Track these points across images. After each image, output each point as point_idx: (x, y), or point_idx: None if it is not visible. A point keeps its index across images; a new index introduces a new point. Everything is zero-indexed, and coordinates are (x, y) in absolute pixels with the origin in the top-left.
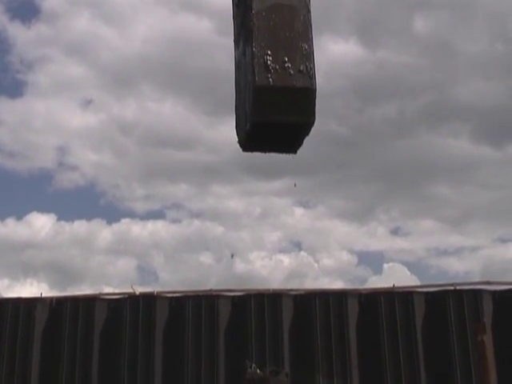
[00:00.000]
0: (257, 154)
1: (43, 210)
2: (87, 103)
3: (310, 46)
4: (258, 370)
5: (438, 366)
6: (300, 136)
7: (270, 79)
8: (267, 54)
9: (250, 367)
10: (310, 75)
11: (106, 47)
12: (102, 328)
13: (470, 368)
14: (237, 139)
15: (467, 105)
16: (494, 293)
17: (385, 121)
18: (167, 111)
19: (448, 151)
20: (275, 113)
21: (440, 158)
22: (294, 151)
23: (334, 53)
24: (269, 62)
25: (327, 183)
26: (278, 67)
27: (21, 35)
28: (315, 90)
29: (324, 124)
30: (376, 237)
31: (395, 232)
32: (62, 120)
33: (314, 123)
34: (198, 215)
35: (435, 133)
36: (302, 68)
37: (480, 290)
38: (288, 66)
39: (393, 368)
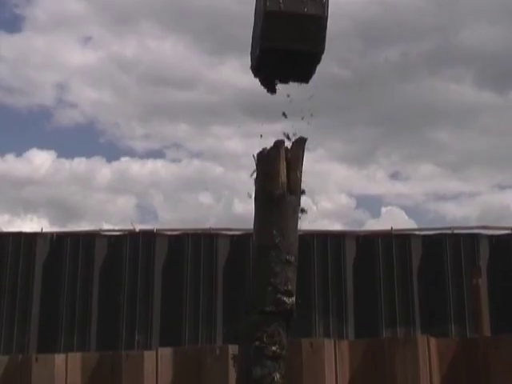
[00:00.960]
0: (257, 95)
1: (43, 146)
2: (86, 40)
3: None
4: None
5: (433, 308)
6: (311, 64)
7: (281, 4)
8: None
9: None
10: (322, 3)
11: None
12: (101, 264)
13: (464, 310)
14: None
15: (471, 50)
16: (490, 237)
17: (387, 64)
18: (168, 49)
19: (450, 96)
20: (285, 39)
21: (442, 103)
22: (306, 80)
23: None
24: None
25: (327, 126)
26: None
27: None
28: (326, 19)
29: (325, 66)
30: (375, 180)
31: (394, 176)
32: (61, 57)
33: (323, 52)
34: (197, 155)
35: (438, 77)
36: None
37: (477, 234)
38: None
39: (388, 308)
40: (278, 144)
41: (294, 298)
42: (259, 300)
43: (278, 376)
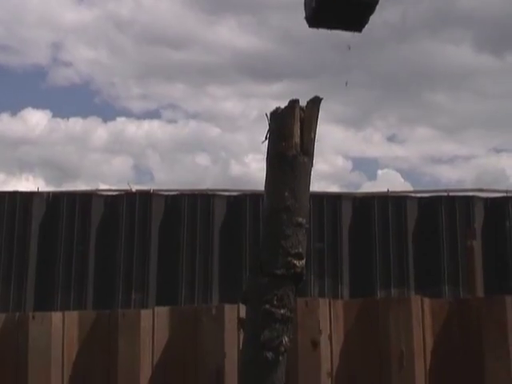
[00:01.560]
0: (255, 57)
1: (38, 106)
2: None
3: None
4: None
5: (427, 269)
6: (365, 15)
7: None
8: None
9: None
10: None
11: None
12: (98, 224)
13: (458, 272)
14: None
15: (471, 12)
16: (485, 200)
17: (386, 25)
18: (164, 9)
19: (448, 58)
20: None
21: (440, 65)
22: (360, 29)
23: None
24: None
25: (325, 88)
26: None
27: None
28: None
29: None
30: (372, 143)
31: (391, 139)
32: (55, 15)
33: (378, 2)
34: (194, 116)
35: (437, 39)
36: None
37: (472, 197)
38: None
39: (383, 269)
40: (293, 103)
41: (304, 261)
42: (269, 262)
43: (286, 339)
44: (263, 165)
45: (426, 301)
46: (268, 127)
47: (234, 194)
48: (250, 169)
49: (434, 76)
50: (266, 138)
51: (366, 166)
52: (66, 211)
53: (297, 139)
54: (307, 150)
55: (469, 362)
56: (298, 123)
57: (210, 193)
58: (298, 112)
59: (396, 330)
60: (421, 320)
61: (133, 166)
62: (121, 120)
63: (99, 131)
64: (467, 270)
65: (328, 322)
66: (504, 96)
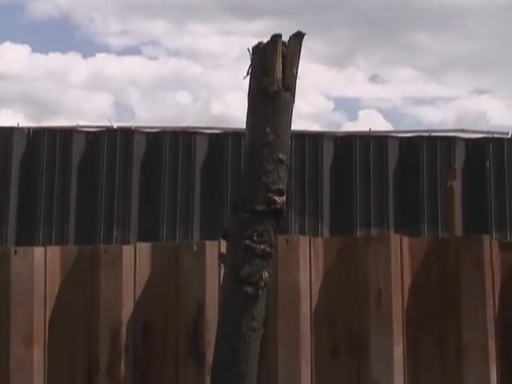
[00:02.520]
0: None
1: (17, 40)
2: None
3: None
4: None
5: (407, 208)
6: None
7: None
8: None
9: None
10: None
11: None
12: (79, 160)
13: (438, 211)
14: None
15: None
16: (466, 141)
17: None
18: None
19: None
20: None
21: (426, 5)
22: None
23: None
24: None
25: (307, 25)
26: None
27: None
28: None
29: None
30: (354, 83)
31: (373, 79)
32: None
33: None
34: (174, 53)
35: None
36: None
37: (453, 137)
38: None
39: (363, 207)
40: (275, 38)
41: (284, 198)
42: (250, 198)
43: (266, 274)
44: (244, 103)
45: (405, 239)
46: (250, 63)
47: (216, 131)
48: (231, 107)
49: (418, 16)
50: (247, 74)
51: (348, 106)
52: (46, 147)
53: (279, 75)
54: (289, 85)
55: (446, 300)
56: (280, 58)
57: (191, 130)
58: (280, 47)
59: (375, 268)
60: (399, 258)
61: (113, 103)
62: (100, 56)
63: (79, 67)
64: (446, 209)
65: (308, 259)
66: (489, 37)
